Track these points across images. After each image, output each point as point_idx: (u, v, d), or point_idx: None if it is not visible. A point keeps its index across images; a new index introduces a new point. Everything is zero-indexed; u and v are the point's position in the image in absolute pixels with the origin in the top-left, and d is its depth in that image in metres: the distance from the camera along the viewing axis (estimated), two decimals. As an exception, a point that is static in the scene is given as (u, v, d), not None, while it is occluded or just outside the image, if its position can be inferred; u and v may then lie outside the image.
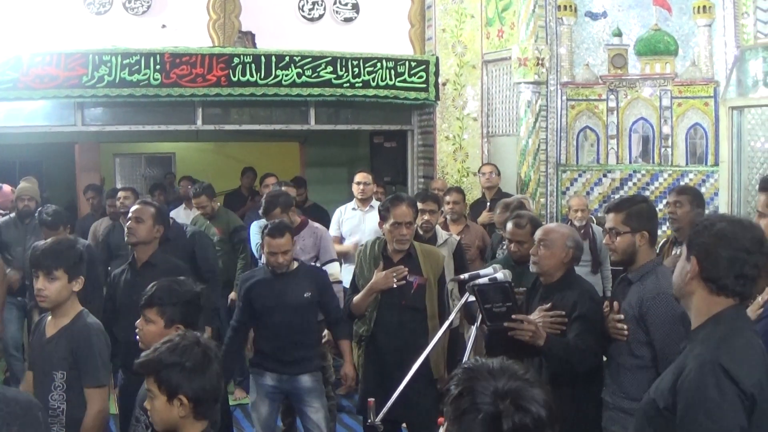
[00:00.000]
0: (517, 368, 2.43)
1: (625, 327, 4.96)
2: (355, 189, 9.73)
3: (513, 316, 5.00)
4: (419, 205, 7.75)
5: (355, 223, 9.60)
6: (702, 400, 3.15)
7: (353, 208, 9.73)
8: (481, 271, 5.22)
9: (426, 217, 7.92)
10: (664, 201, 10.68)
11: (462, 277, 5.39)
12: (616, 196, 11.03)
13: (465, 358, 4.46)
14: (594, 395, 5.29)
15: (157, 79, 10.67)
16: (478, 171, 11.52)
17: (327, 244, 8.67)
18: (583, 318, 5.22)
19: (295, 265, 6.98)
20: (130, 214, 6.91)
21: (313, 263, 8.06)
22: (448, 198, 9.26)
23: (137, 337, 4.76)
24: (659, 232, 6.40)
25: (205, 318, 7.87)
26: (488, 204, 10.46)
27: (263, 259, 7.05)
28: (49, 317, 5.26)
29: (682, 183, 10.91)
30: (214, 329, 8.24)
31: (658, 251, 6.45)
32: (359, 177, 9.80)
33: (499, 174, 11.11)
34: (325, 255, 8.58)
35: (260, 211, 8.29)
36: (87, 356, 5.06)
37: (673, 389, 3.26)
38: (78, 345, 5.06)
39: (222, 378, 3.74)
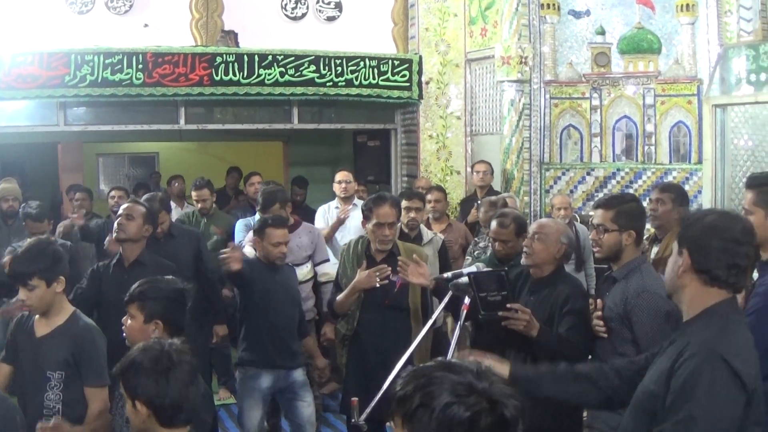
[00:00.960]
0: (478, 365, 2.34)
1: (602, 323, 4.95)
2: (337, 188, 9.72)
3: (507, 305, 4.97)
4: (405, 203, 7.77)
5: (339, 221, 9.56)
6: (692, 388, 3.18)
7: (336, 207, 9.70)
8: (464, 270, 5.20)
9: (412, 214, 7.94)
10: (648, 199, 10.71)
11: (445, 275, 5.37)
12: (600, 195, 11.04)
13: (449, 357, 4.43)
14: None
15: (140, 79, 10.62)
16: (472, 168, 11.48)
17: (322, 244, 8.74)
18: (575, 313, 5.20)
19: None
20: (120, 211, 6.93)
21: (308, 262, 8.18)
22: (429, 197, 9.23)
23: (124, 335, 4.73)
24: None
25: (217, 318, 7.95)
26: (478, 203, 10.45)
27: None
28: (37, 316, 5.20)
29: (665, 181, 10.91)
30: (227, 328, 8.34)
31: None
32: (340, 176, 9.80)
33: (492, 173, 11.13)
34: (319, 254, 8.64)
35: (258, 207, 8.27)
36: (91, 356, 5.04)
37: (669, 378, 3.28)
38: (82, 346, 5.04)
39: (191, 386, 3.69)
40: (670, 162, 11.29)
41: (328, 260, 8.69)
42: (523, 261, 5.60)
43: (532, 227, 5.68)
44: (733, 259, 3.39)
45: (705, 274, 3.42)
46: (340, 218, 9.37)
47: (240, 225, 9.11)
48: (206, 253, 8.42)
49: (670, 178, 11.01)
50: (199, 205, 10.03)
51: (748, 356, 3.30)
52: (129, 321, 4.67)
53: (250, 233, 8.02)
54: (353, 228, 9.11)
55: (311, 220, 9.71)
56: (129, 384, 3.59)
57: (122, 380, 3.64)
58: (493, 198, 8.78)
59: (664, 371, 3.34)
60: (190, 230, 8.76)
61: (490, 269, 5.11)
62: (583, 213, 11.11)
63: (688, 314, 3.50)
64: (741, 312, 3.63)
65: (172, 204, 11.68)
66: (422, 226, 8.18)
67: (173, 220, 9.15)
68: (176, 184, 12.53)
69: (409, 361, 4.63)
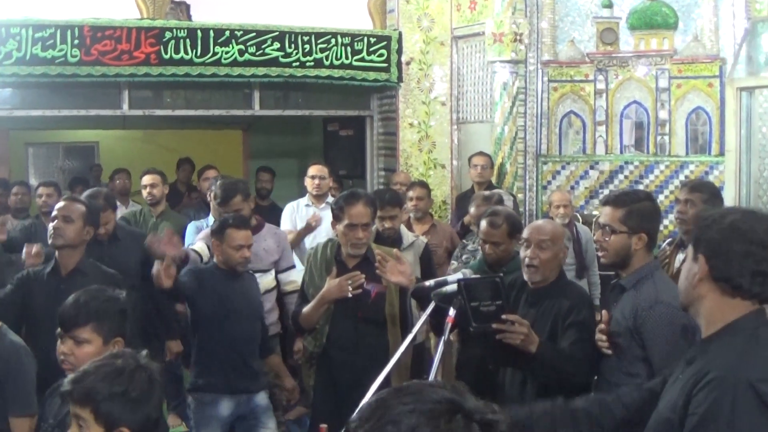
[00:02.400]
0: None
1: (605, 339, 4.91)
2: (309, 183, 9.66)
3: (503, 316, 4.90)
4: (378, 213, 7.70)
5: (310, 221, 9.51)
6: (714, 418, 3.12)
7: (307, 205, 9.65)
8: (449, 278, 5.15)
9: (387, 224, 7.84)
10: (660, 196, 10.72)
11: (427, 284, 5.32)
12: (605, 191, 11.03)
13: (431, 376, 4.39)
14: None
15: (76, 56, 10.53)
16: (469, 161, 11.43)
17: (288, 249, 8.68)
18: (580, 325, 5.18)
19: None
20: (55, 212, 6.61)
21: (272, 269, 8.12)
22: (411, 193, 9.20)
23: (64, 364, 4.34)
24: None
25: (169, 332, 7.88)
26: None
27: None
28: None
29: (681, 175, 10.96)
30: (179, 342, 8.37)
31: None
32: (313, 170, 9.74)
33: (492, 167, 11.15)
34: (285, 260, 8.55)
35: (217, 201, 8.13)
36: (17, 381, 4.93)
37: (686, 405, 3.23)
38: (7, 368, 4.92)
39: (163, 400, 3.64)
40: (687, 154, 11.29)
41: (294, 267, 8.62)
42: (527, 277, 5.53)
43: (531, 234, 5.57)
44: (759, 266, 3.31)
45: (725, 283, 3.35)
46: (311, 225, 9.27)
47: (191, 228, 9.03)
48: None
49: (686, 173, 11.03)
50: (147, 190, 9.91)
51: None
52: (80, 348, 4.31)
53: (206, 230, 7.96)
54: (323, 230, 9.07)
55: (277, 221, 9.65)
56: (111, 415, 3.43)
57: (93, 410, 3.43)
58: (487, 193, 8.72)
59: (682, 396, 3.28)
60: (137, 232, 8.64)
61: (482, 275, 5.06)
62: (585, 212, 11.11)
63: (708, 329, 3.43)
64: None
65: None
66: (402, 227, 8.12)
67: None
68: (121, 178, 12.37)
69: (386, 382, 4.58)
